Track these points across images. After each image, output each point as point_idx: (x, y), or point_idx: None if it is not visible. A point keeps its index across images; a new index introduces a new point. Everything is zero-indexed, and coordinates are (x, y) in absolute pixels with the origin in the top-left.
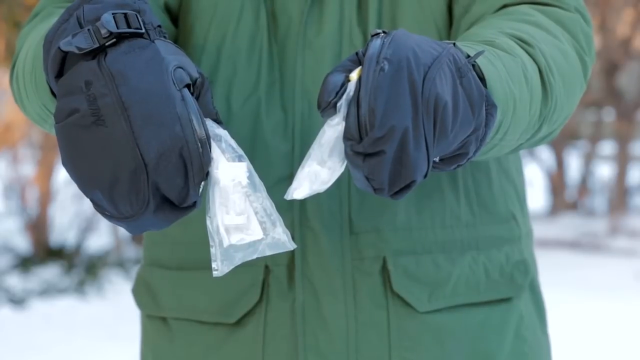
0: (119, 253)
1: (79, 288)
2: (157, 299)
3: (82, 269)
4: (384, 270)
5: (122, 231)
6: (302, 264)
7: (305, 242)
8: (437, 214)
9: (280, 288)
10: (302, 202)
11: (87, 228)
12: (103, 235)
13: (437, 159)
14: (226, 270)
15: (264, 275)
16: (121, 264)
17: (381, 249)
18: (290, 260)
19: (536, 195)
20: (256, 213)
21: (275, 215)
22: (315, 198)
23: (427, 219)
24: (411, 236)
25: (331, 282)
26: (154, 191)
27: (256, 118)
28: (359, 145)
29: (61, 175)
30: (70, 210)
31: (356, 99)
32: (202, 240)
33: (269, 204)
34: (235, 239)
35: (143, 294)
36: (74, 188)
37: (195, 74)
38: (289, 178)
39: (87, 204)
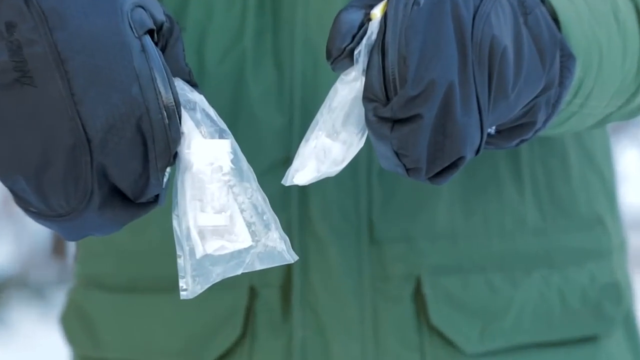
0: (28, 272)
1: None
2: (95, 333)
3: None
4: (417, 294)
5: (34, 239)
6: (303, 284)
7: (307, 255)
8: (492, 216)
9: (272, 319)
10: (303, 197)
11: None
12: (4, 245)
13: (492, 130)
14: (199, 290)
15: (248, 300)
16: (35, 288)
17: (414, 264)
18: (286, 279)
19: (634, 193)
20: (242, 211)
21: (270, 215)
22: (321, 190)
23: (478, 223)
24: (456, 247)
25: (343, 312)
26: (100, 179)
27: (239, 80)
28: (386, 108)
29: None
30: None
31: (380, 44)
32: (162, 249)
33: (260, 198)
34: (213, 246)
35: (75, 326)
36: None
37: (161, 17)
38: (284, 163)
39: None
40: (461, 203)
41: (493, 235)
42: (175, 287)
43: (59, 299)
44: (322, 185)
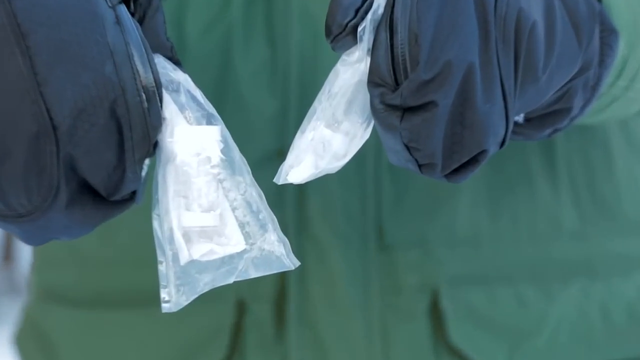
0: None
1: None
2: (55, 355)
3: None
4: (434, 309)
5: None
6: (300, 297)
7: (305, 263)
8: (522, 217)
9: (263, 337)
10: (300, 195)
11: None
12: None
13: (521, 118)
14: (184, 302)
15: (235, 315)
16: None
17: (430, 274)
18: (280, 291)
19: None
20: (235, 209)
21: (266, 213)
22: (322, 188)
23: (506, 226)
24: (480, 254)
25: (347, 329)
26: (68, 172)
27: (225, 57)
28: (394, 94)
29: None
30: None
31: (388, 20)
32: (135, 256)
33: (255, 194)
34: (201, 251)
35: (31, 347)
36: None
37: None
38: (278, 156)
39: None
40: (486, 203)
41: (523, 240)
42: (149, 301)
43: (9, 314)
44: (322, 181)
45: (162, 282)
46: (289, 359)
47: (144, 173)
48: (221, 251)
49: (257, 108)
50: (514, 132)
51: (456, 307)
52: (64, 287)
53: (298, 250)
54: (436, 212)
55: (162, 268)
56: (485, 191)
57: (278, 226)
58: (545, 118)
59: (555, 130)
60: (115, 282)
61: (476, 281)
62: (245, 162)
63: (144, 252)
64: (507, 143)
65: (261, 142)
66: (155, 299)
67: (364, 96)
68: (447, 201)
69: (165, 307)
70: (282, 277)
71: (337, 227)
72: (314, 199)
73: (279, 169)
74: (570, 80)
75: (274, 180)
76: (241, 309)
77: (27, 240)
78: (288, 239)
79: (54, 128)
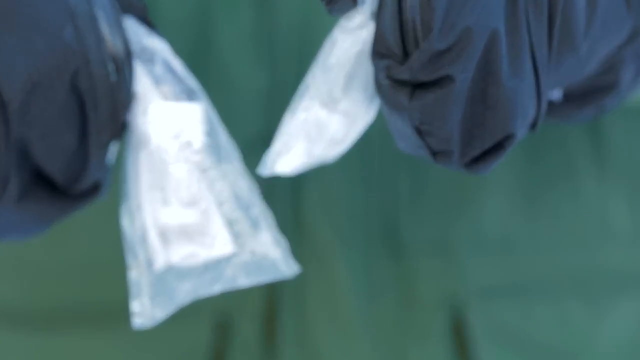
0: None
1: None
2: None
3: None
4: (458, 328)
5: None
6: (295, 312)
7: (302, 271)
8: (564, 218)
9: None
10: (295, 188)
11: None
12: None
13: (557, 96)
14: (160, 315)
15: (215, 337)
16: None
17: (453, 285)
18: (270, 305)
19: None
20: (221, 204)
21: (259, 209)
22: (320, 179)
23: (544, 229)
24: (513, 262)
25: (352, 351)
26: (20, 159)
27: (204, 22)
28: (403, 67)
29: None
30: None
31: None
32: (96, 263)
33: (245, 185)
34: (180, 254)
35: None
36: None
37: None
38: (265, 141)
39: None
40: (520, 200)
41: (565, 245)
42: (112, 318)
43: None
44: (321, 172)
45: (133, 292)
46: None
47: (110, 160)
48: (204, 254)
49: (240, 81)
50: (548, 112)
51: (484, 325)
52: (7, 305)
53: (293, 256)
54: (461, 210)
55: (133, 275)
56: (519, 186)
57: (273, 224)
58: (587, 95)
59: (601, 110)
60: (70, 296)
61: (509, 294)
62: (234, 147)
63: (107, 257)
64: (539, 126)
65: (245, 124)
66: (119, 316)
67: (367, 69)
68: (474, 197)
69: (137, 323)
70: (273, 289)
71: (339, 227)
72: (310, 195)
73: (265, 158)
74: (617, 50)
75: (259, 170)
76: (223, 328)
77: None
78: None
79: (3, 105)
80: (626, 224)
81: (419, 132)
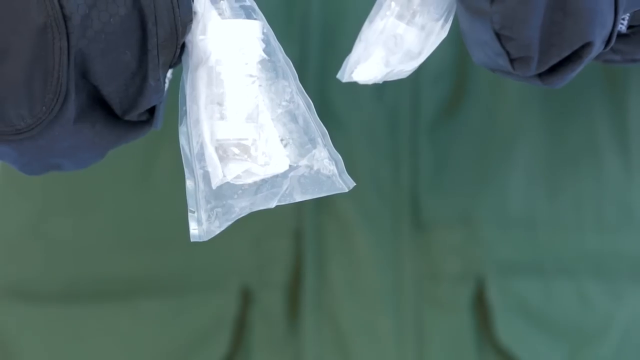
0: None
1: None
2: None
3: None
4: (479, 301)
5: None
6: (317, 283)
7: (324, 243)
8: (587, 199)
9: (273, 331)
10: None
11: None
12: None
13: (624, 25)
14: (216, 230)
15: (239, 306)
16: None
17: (475, 259)
18: (293, 277)
19: None
20: (278, 120)
21: (315, 126)
22: (347, 152)
23: (567, 208)
24: (535, 239)
25: (374, 322)
26: (78, 78)
27: None
28: None
29: None
30: None
31: None
32: (118, 238)
33: (302, 103)
34: (236, 171)
35: None
36: None
37: None
38: None
39: None
40: (544, 178)
41: (587, 226)
42: (134, 292)
43: None
44: (346, 144)
45: (190, 207)
46: (304, 357)
47: (166, 87)
48: (261, 171)
49: None
50: (612, 48)
51: (505, 300)
52: (28, 281)
53: (315, 228)
54: (484, 186)
55: (190, 188)
56: (543, 164)
57: (330, 141)
58: None
59: None
60: (92, 269)
61: (530, 270)
62: (292, 65)
63: (129, 233)
64: (612, 42)
65: None
66: (141, 290)
67: None
68: (497, 173)
69: (195, 236)
70: (296, 260)
71: (363, 200)
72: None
73: (343, 64)
74: None
75: (337, 76)
76: (246, 298)
77: (24, 168)
78: (303, 215)
79: (65, 18)
80: None
81: (499, 37)
